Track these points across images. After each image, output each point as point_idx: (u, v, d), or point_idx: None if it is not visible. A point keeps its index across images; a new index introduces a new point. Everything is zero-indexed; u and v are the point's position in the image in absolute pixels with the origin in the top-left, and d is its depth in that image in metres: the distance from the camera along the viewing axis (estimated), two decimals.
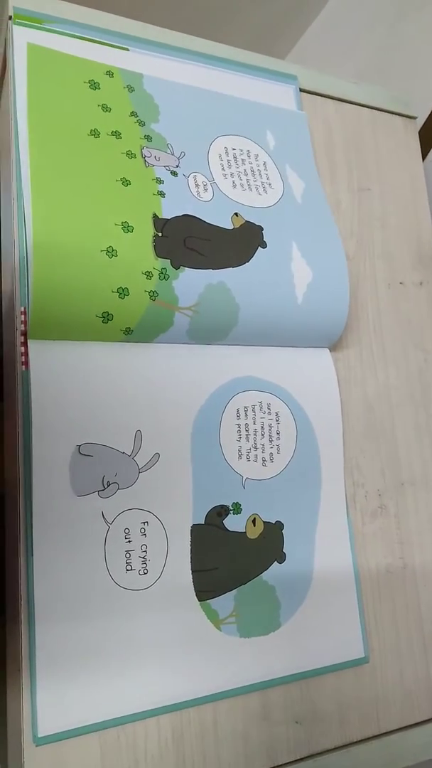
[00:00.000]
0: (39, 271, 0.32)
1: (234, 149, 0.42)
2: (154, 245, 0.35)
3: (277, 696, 0.36)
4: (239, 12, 0.85)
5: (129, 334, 0.35)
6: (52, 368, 0.33)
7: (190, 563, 0.35)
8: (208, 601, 0.35)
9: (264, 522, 0.37)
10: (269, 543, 0.37)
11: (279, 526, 0.38)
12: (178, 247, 0.36)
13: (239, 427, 0.38)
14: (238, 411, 0.38)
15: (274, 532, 0.38)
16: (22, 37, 0.37)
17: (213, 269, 0.37)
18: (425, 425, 0.46)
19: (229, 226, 0.39)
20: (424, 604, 0.42)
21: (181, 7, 0.81)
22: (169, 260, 0.35)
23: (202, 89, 0.43)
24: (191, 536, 0.35)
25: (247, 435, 0.38)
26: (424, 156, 0.53)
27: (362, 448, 0.43)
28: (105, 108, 0.38)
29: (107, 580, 0.33)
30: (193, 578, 0.35)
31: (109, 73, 0.39)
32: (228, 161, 0.41)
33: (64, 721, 0.31)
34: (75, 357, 0.33)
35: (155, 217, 0.36)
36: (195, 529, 0.35)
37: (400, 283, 0.48)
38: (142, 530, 0.34)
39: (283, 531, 0.38)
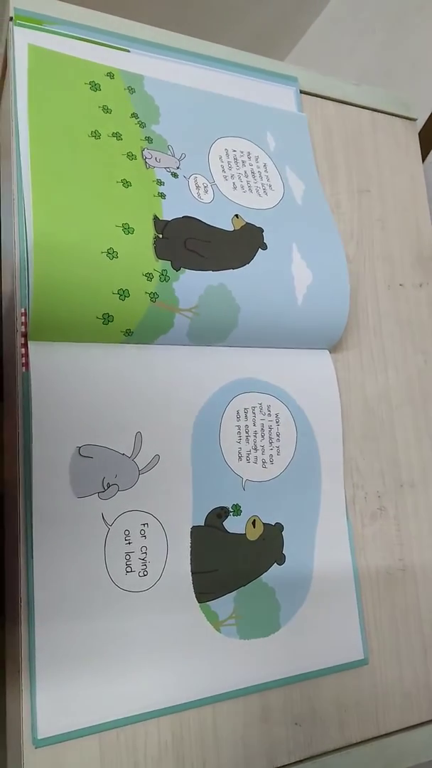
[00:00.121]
0: (39, 272, 0.32)
1: (234, 151, 0.42)
2: (155, 247, 0.35)
3: (276, 698, 0.36)
4: (239, 13, 0.85)
5: (129, 336, 0.35)
6: (53, 369, 0.33)
7: (189, 565, 0.35)
8: (207, 602, 0.35)
9: (264, 524, 0.37)
10: (269, 545, 0.37)
11: (279, 527, 0.38)
12: (178, 248, 0.36)
13: (239, 428, 0.38)
14: (238, 412, 0.38)
15: (273, 534, 0.38)
16: (22, 39, 0.37)
17: (213, 271, 0.37)
18: (425, 427, 0.46)
19: (229, 227, 0.39)
20: (423, 605, 0.42)
21: (182, 8, 0.81)
22: (169, 262, 0.35)
23: (203, 91, 0.43)
24: (191, 538, 0.35)
25: (247, 437, 0.38)
26: (424, 158, 0.53)
27: (362, 449, 0.43)
28: (106, 109, 0.38)
29: (107, 581, 0.33)
30: (192, 580, 0.35)
31: (110, 75, 0.39)
32: (228, 163, 0.41)
33: (63, 723, 0.31)
34: (75, 358, 0.33)
35: (156, 218, 0.36)
36: (195, 531, 0.35)
37: (400, 284, 0.48)
38: (142, 532, 0.34)
39: (282, 533, 0.38)
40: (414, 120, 0.53)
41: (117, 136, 0.37)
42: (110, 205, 0.35)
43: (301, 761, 0.36)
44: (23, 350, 0.33)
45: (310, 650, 0.37)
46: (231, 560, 0.36)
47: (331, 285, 0.41)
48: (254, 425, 0.38)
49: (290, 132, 0.45)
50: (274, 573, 0.37)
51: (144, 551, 0.34)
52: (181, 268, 0.35)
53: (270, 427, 0.39)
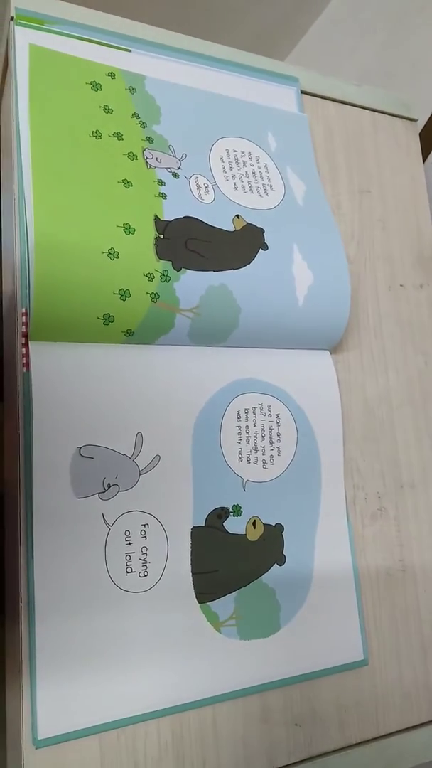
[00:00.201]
0: (40, 272, 0.32)
1: (235, 151, 0.42)
2: (156, 247, 0.35)
3: (276, 698, 0.36)
4: (240, 13, 0.85)
5: (130, 336, 0.35)
6: (53, 370, 0.33)
7: (190, 565, 0.35)
8: (208, 603, 0.35)
9: (264, 524, 0.37)
10: (269, 545, 0.37)
11: (279, 528, 0.38)
12: (179, 248, 0.36)
13: (240, 429, 0.38)
14: (238, 413, 0.38)
15: (274, 535, 0.38)
16: (23, 38, 0.37)
17: (214, 271, 0.37)
18: (425, 428, 0.46)
19: (230, 228, 0.39)
20: (423, 606, 0.42)
21: (183, 8, 0.81)
22: (170, 262, 0.35)
23: (204, 91, 0.43)
24: (191, 538, 0.35)
25: (247, 437, 0.38)
26: (424, 158, 0.53)
27: (362, 450, 0.43)
28: (107, 109, 0.38)
29: (107, 582, 0.33)
30: (193, 580, 0.35)
31: (111, 75, 0.39)
32: (229, 163, 0.41)
33: (64, 724, 0.31)
34: (76, 358, 0.33)
35: (157, 218, 0.36)
36: (195, 531, 0.35)
37: (401, 285, 0.48)
38: (143, 532, 0.34)
39: (283, 533, 0.38)
40: (415, 121, 0.53)
41: (118, 136, 0.37)
42: (111, 205, 0.35)
43: (300, 762, 0.36)
44: (24, 350, 0.33)
45: (310, 651, 0.37)
46: (231, 561, 0.36)
47: (331, 286, 0.41)
48: (255, 426, 0.38)
49: (291, 132, 0.45)
50: (274, 573, 0.37)
51: (144, 552, 0.34)
52: (182, 269, 0.35)
53: (270, 428, 0.39)
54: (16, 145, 0.35)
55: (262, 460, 0.38)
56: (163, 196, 0.37)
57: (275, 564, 0.37)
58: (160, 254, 0.35)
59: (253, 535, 0.37)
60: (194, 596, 0.35)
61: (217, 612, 0.35)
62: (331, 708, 0.38)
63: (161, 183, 0.37)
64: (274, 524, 0.38)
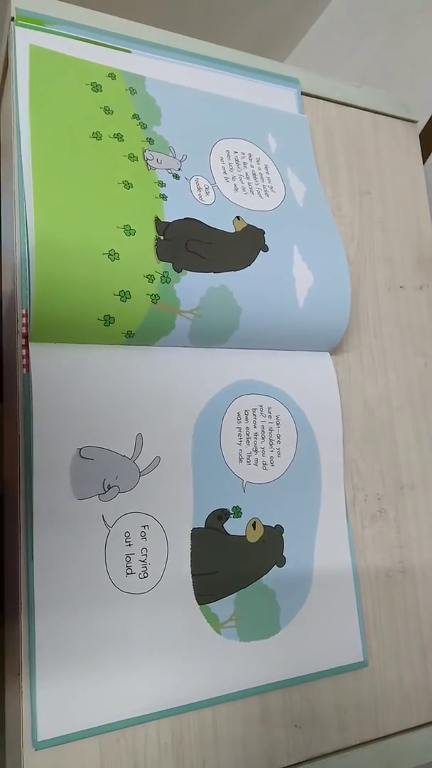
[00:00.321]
0: (41, 273, 0.32)
1: (236, 152, 0.42)
2: (156, 248, 0.35)
3: (276, 700, 0.36)
4: (240, 13, 0.85)
5: (130, 337, 0.35)
6: (54, 371, 0.33)
7: (190, 567, 0.35)
8: (208, 604, 0.35)
9: (264, 526, 0.37)
10: (269, 547, 0.37)
11: (279, 529, 0.38)
12: (179, 250, 0.36)
13: (240, 430, 0.38)
14: (238, 414, 0.38)
15: (274, 536, 0.38)
16: (24, 39, 0.37)
17: (215, 272, 0.37)
18: (425, 429, 0.46)
19: (230, 229, 0.39)
20: (423, 607, 0.42)
21: (182, 9, 0.81)
22: (170, 263, 0.35)
23: (204, 92, 0.43)
24: (191, 540, 0.35)
25: (247, 438, 0.38)
26: (424, 159, 0.53)
27: (362, 451, 0.43)
28: (107, 110, 0.38)
29: (107, 583, 0.33)
30: (193, 582, 0.35)
31: (111, 76, 0.39)
32: (230, 164, 0.41)
33: (63, 725, 0.31)
34: (76, 360, 0.33)
35: (157, 220, 0.36)
36: (195, 533, 0.35)
37: (401, 287, 0.48)
38: (143, 534, 0.34)
39: (283, 535, 0.38)
40: (415, 122, 0.53)
41: (118, 137, 0.37)
42: (111, 206, 0.35)
43: (300, 763, 0.36)
44: (24, 351, 0.33)
45: (309, 652, 0.37)
46: (231, 562, 0.36)
47: (332, 287, 0.41)
48: (255, 427, 0.38)
49: (291, 134, 0.45)
50: (274, 575, 0.37)
51: (144, 553, 0.34)
52: (183, 270, 0.35)
53: (270, 429, 0.39)
54: (17, 146, 0.35)
55: (262, 462, 0.38)
56: (164, 197, 0.37)
57: (275, 565, 0.37)
58: (161, 255, 0.35)
59: (253, 537, 0.37)
60: (194, 598, 0.35)
61: (217, 613, 0.35)
62: (330, 709, 0.38)
63: (162, 184, 0.37)
64: (273, 525, 0.38)
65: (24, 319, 0.32)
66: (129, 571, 0.33)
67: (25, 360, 0.32)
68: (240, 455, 0.37)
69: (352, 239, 0.47)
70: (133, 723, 0.32)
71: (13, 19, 0.37)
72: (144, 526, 0.34)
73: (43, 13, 0.38)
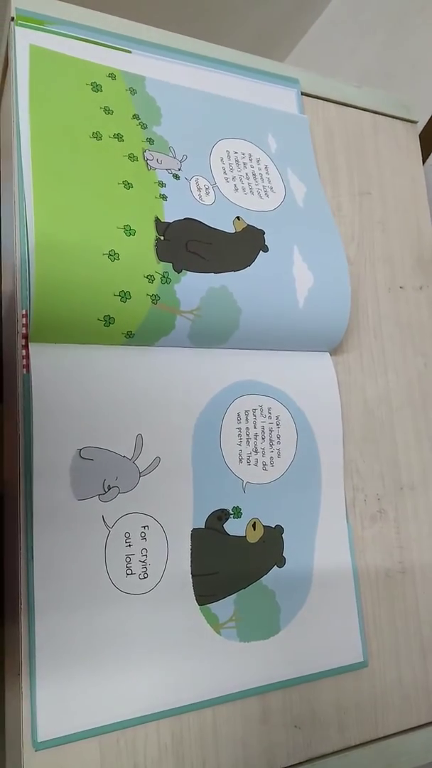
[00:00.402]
0: (41, 274, 0.32)
1: (236, 152, 0.42)
2: (156, 249, 0.35)
3: (276, 700, 0.36)
4: (239, 13, 0.85)
5: (130, 338, 0.35)
6: (54, 371, 0.33)
7: (190, 567, 0.35)
8: (208, 605, 0.35)
9: (264, 526, 0.37)
10: (269, 547, 0.37)
11: (279, 530, 0.38)
12: (179, 250, 0.36)
13: (240, 431, 0.38)
14: (238, 415, 0.38)
15: (274, 537, 0.38)
16: (24, 39, 0.37)
17: (215, 273, 0.37)
18: (425, 429, 0.46)
19: (230, 229, 0.39)
20: (422, 608, 0.42)
21: (183, 9, 0.81)
22: (171, 264, 0.35)
23: (204, 92, 0.43)
24: (191, 540, 0.35)
25: (247, 439, 0.38)
26: (424, 160, 0.53)
27: (362, 452, 0.43)
28: (107, 110, 0.38)
29: (107, 583, 0.33)
30: (193, 582, 0.35)
31: (112, 76, 0.39)
32: (230, 165, 0.41)
33: (63, 726, 0.31)
34: (76, 360, 0.33)
35: (157, 220, 0.36)
36: (195, 533, 0.35)
37: (400, 287, 0.48)
38: (143, 534, 0.34)
39: (283, 535, 0.38)
40: (415, 122, 0.53)
41: (118, 137, 0.37)
42: (111, 206, 0.35)
43: (300, 763, 0.36)
44: (24, 352, 0.33)
45: (309, 653, 0.37)
46: (231, 563, 0.36)
47: (332, 287, 0.41)
48: (255, 427, 0.38)
49: (291, 134, 0.45)
50: (274, 575, 0.37)
51: (144, 553, 0.34)
52: (183, 270, 0.35)
53: (270, 430, 0.39)
54: (17, 146, 0.35)
55: (262, 462, 0.38)
56: (164, 197, 0.37)
57: (275, 566, 0.37)
58: (161, 256, 0.35)
59: (253, 537, 0.37)
60: (194, 598, 0.35)
61: (217, 614, 0.35)
62: (330, 710, 0.38)
63: (162, 184, 0.37)
64: (273, 526, 0.38)
65: (24, 319, 0.32)
66: (129, 572, 0.33)
67: (25, 360, 0.32)
68: (240, 455, 0.37)
69: (352, 239, 0.47)
70: (133, 723, 0.32)
71: (13, 19, 0.37)
72: (144, 527, 0.34)
73: (43, 13, 0.38)
